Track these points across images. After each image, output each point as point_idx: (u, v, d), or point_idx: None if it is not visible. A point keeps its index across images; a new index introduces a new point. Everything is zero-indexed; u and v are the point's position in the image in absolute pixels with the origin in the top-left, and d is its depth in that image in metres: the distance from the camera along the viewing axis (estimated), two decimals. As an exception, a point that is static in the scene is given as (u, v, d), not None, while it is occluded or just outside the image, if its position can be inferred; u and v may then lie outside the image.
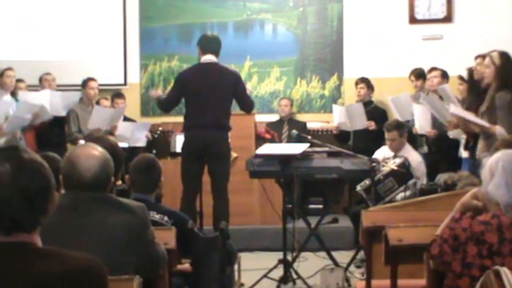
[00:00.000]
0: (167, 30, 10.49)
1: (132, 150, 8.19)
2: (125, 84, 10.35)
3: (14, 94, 8.49)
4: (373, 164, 6.49)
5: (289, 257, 6.40)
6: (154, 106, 10.36)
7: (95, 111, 8.29)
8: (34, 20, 10.25)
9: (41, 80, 9.04)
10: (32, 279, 2.02)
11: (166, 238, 3.81)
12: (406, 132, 7.52)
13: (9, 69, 8.42)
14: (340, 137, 9.18)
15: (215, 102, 6.66)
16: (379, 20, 10.07)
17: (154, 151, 8.62)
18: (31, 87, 8.97)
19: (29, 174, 2.09)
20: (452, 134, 7.46)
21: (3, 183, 2.05)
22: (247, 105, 6.98)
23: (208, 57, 6.81)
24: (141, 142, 8.81)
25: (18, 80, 8.74)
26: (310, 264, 6.84)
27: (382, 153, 7.37)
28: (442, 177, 6.78)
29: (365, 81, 9.40)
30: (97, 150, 3.18)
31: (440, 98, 7.20)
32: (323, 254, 6.76)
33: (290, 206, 6.65)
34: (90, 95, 8.78)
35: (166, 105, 7.09)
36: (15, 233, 2.08)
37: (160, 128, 9.46)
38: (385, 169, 6.67)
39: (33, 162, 2.12)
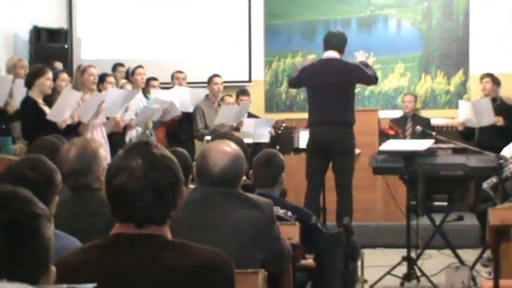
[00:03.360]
0: (291, 27, 10.56)
1: (256, 146, 8.29)
2: (250, 81, 10.49)
3: (144, 91, 8.77)
4: (501, 161, 6.31)
5: (413, 254, 6.33)
6: (279, 102, 10.49)
7: (221, 110, 8.49)
8: (164, 20, 10.56)
9: (172, 77, 9.30)
10: (161, 270, 2.10)
11: (290, 233, 3.84)
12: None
13: (140, 66, 8.70)
14: (465, 133, 8.97)
15: (337, 98, 6.63)
16: (507, 13, 9.76)
17: (277, 147, 8.70)
18: (163, 85, 9.25)
19: (159, 169, 2.17)
20: None
21: (136, 178, 2.13)
22: (370, 80, 6.91)
23: (330, 54, 6.78)
24: (265, 138, 8.90)
25: (151, 79, 9.03)
26: (434, 262, 6.75)
27: (511, 150, 7.16)
28: None
29: (490, 76, 9.14)
30: (229, 147, 3.24)
31: None
32: (448, 251, 6.65)
33: (414, 202, 6.57)
34: (215, 90, 8.97)
35: (292, 82, 7.20)
36: (146, 226, 2.16)
37: (284, 124, 9.53)
38: (514, 166, 6.48)
39: (163, 158, 2.19)
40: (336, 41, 6.80)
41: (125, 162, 2.16)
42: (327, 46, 6.80)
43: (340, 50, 6.76)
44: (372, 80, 6.89)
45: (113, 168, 2.19)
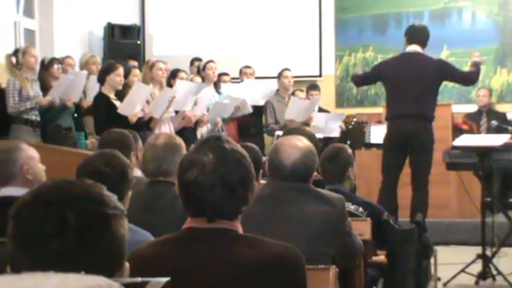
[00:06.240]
0: (362, 21, 10.46)
1: (327, 141, 8.25)
2: (320, 75, 10.44)
3: (216, 87, 8.82)
4: None
5: (488, 252, 6.20)
6: (350, 97, 10.42)
7: (291, 103, 8.48)
8: (235, 15, 10.61)
9: (240, 72, 9.34)
10: (233, 263, 2.10)
11: (361, 229, 3.81)
12: None
13: (211, 61, 8.77)
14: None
15: (417, 92, 6.51)
16: None
17: (348, 142, 8.63)
18: (232, 80, 9.31)
19: (230, 163, 2.17)
20: None
21: (207, 172, 2.14)
22: (467, 80, 6.80)
23: (412, 48, 6.69)
24: (335, 132, 8.84)
25: (223, 74, 9.08)
26: (511, 260, 6.60)
27: None
28: None
29: None
30: (301, 142, 3.22)
31: None
32: (525, 250, 6.51)
33: (489, 199, 6.44)
34: (285, 84, 9.01)
35: (358, 81, 7.17)
36: (217, 220, 2.16)
37: (354, 119, 9.45)
38: None
39: (234, 153, 2.19)
40: (418, 35, 6.71)
41: (196, 157, 2.17)
42: (410, 40, 6.72)
43: (422, 44, 6.67)
44: (465, 76, 6.74)
45: (184, 163, 2.20)
